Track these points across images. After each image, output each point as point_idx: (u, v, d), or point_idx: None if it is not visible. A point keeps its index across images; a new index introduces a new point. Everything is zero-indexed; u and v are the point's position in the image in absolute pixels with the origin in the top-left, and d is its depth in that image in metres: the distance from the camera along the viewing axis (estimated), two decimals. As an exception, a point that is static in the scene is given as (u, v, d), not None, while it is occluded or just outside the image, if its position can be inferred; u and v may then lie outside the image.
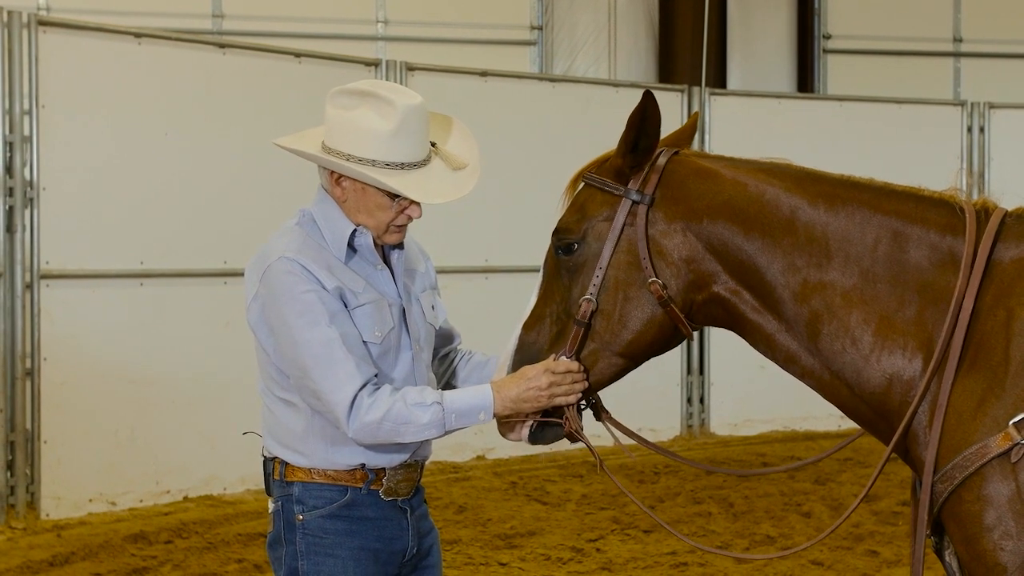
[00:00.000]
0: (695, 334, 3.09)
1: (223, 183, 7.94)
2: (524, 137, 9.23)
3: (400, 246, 3.26)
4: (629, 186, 3.01)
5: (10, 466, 7.23)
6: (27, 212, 7.23)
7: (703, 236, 2.96)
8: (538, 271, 3.15)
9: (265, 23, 11.60)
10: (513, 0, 12.59)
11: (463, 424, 3.08)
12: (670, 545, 6.76)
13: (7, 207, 7.20)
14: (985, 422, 2.66)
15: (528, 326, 3.11)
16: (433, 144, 3.19)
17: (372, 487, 3.18)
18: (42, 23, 7.32)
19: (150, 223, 7.67)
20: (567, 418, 3.08)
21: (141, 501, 7.57)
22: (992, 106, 10.97)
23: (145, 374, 7.55)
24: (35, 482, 7.25)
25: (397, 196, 3.12)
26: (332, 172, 3.16)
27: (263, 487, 3.28)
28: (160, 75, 7.76)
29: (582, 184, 3.13)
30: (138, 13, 10.32)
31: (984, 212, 2.86)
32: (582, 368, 3.02)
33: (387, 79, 8.47)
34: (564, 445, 3.23)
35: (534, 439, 3.15)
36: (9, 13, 7.19)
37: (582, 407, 3.11)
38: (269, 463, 3.23)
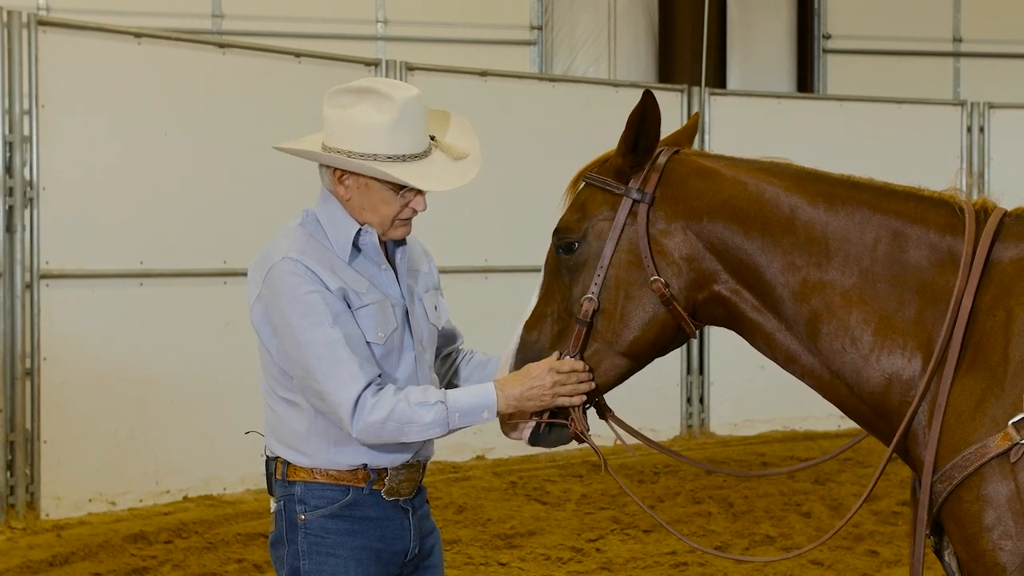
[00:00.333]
0: (695, 334, 3.09)
1: (223, 183, 7.94)
2: (524, 137, 9.23)
3: (403, 242, 3.26)
4: (630, 185, 3.02)
5: (10, 466, 7.23)
6: (27, 212, 7.23)
7: (703, 235, 2.97)
8: (538, 271, 3.15)
9: (265, 23, 11.60)
10: (513, 0, 12.60)
11: (467, 423, 3.08)
12: (670, 545, 6.76)
13: (7, 207, 7.20)
14: (984, 422, 2.66)
15: (529, 325, 3.12)
16: (433, 138, 3.19)
17: (374, 487, 3.18)
18: (42, 23, 7.32)
19: (150, 223, 7.67)
20: (573, 419, 3.08)
21: (141, 501, 7.57)
22: (992, 106, 10.97)
23: (145, 374, 7.55)
24: (35, 482, 7.25)
25: (401, 189, 3.12)
26: (335, 171, 3.16)
27: (263, 487, 3.29)
28: (160, 75, 7.76)
29: (583, 184, 3.13)
30: (138, 13, 10.32)
31: (983, 212, 2.86)
32: (587, 368, 3.03)
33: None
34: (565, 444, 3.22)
35: (536, 441, 3.15)
36: (9, 13, 7.19)
37: (587, 408, 3.11)
38: (271, 463, 3.23)
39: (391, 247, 3.26)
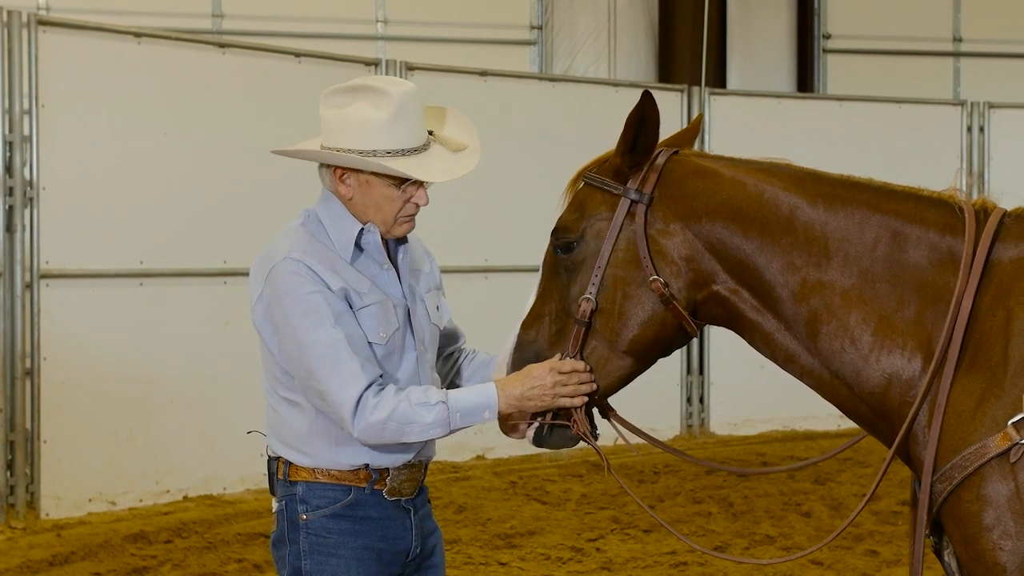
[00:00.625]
0: (697, 333, 3.09)
1: (223, 183, 7.94)
2: (524, 137, 9.22)
3: (405, 242, 3.26)
4: (628, 185, 3.02)
5: (10, 466, 7.23)
6: (27, 212, 7.23)
7: (702, 235, 2.97)
8: (538, 271, 3.15)
9: (265, 23, 11.60)
10: (513, 0, 12.59)
11: (468, 423, 3.08)
12: (670, 545, 6.76)
13: (7, 207, 7.20)
14: (984, 422, 2.66)
15: (527, 325, 3.12)
16: (431, 132, 3.19)
17: (376, 487, 3.18)
18: (42, 23, 7.32)
19: (150, 223, 7.67)
20: (575, 420, 3.08)
21: (141, 501, 7.57)
22: (992, 106, 10.97)
23: (145, 374, 7.55)
24: (35, 482, 7.25)
25: (403, 184, 3.12)
26: (335, 171, 3.16)
27: (263, 487, 3.30)
28: (160, 75, 7.76)
29: (582, 183, 3.13)
30: (138, 13, 10.32)
31: (983, 212, 2.86)
32: (588, 368, 3.02)
33: (387, 79, 8.46)
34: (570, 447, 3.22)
35: (540, 442, 3.14)
36: (9, 13, 7.19)
37: (590, 408, 3.11)
38: (273, 462, 3.23)
39: (393, 247, 3.26)
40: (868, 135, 10.42)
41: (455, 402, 3.06)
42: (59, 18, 7.75)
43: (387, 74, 8.68)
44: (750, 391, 9.85)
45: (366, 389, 3.01)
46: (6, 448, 7.22)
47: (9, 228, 7.21)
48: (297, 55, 8.39)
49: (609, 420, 3.18)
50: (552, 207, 3.18)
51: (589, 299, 3.00)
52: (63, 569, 6.45)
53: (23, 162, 7.21)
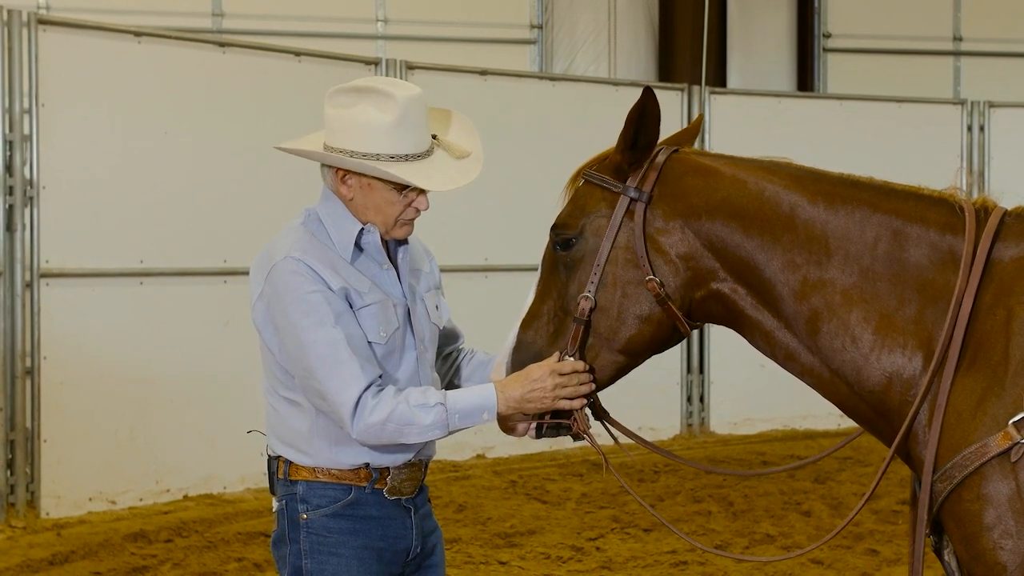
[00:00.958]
0: (695, 332, 3.09)
1: (223, 182, 7.93)
2: (524, 136, 9.23)
3: (405, 241, 3.26)
4: (627, 183, 3.01)
5: (10, 465, 7.23)
6: (27, 211, 7.23)
7: (701, 233, 2.96)
8: (538, 270, 3.15)
9: (265, 22, 11.60)
10: (513, -1, 12.61)
11: (467, 424, 3.08)
12: (670, 544, 6.76)
13: (7, 206, 7.20)
14: (985, 421, 2.66)
15: (526, 324, 3.11)
16: (434, 136, 3.19)
17: (376, 486, 3.18)
18: (42, 22, 7.32)
19: (150, 222, 7.67)
20: (575, 419, 3.08)
21: (141, 500, 7.57)
22: (992, 105, 10.97)
23: (145, 373, 7.55)
24: (35, 481, 7.25)
25: (404, 189, 3.11)
26: (337, 171, 3.15)
27: (263, 486, 3.30)
28: (160, 74, 7.76)
29: (581, 181, 3.13)
30: (138, 12, 10.33)
31: (983, 211, 2.86)
32: (588, 368, 3.02)
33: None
34: (564, 443, 3.23)
35: (539, 434, 3.15)
36: (9, 12, 7.19)
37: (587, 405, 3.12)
38: (273, 462, 3.23)
39: (393, 246, 3.25)
40: (868, 134, 10.42)
41: (454, 403, 3.05)
42: (59, 17, 7.75)
43: (387, 73, 8.69)
44: (750, 390, 9.85)
45: (365, 390, 3.01)
46: (6, 447, 7.22)
47: (9, 227, 7.21)
48: (297, 54, 8.39)
49: (602, 422, 3.18)
50: (552, 206, 3.18)
51: (588, 297, 2.99)
52: (63, 568, 6.45)
53: (23, 161, 7.21)
